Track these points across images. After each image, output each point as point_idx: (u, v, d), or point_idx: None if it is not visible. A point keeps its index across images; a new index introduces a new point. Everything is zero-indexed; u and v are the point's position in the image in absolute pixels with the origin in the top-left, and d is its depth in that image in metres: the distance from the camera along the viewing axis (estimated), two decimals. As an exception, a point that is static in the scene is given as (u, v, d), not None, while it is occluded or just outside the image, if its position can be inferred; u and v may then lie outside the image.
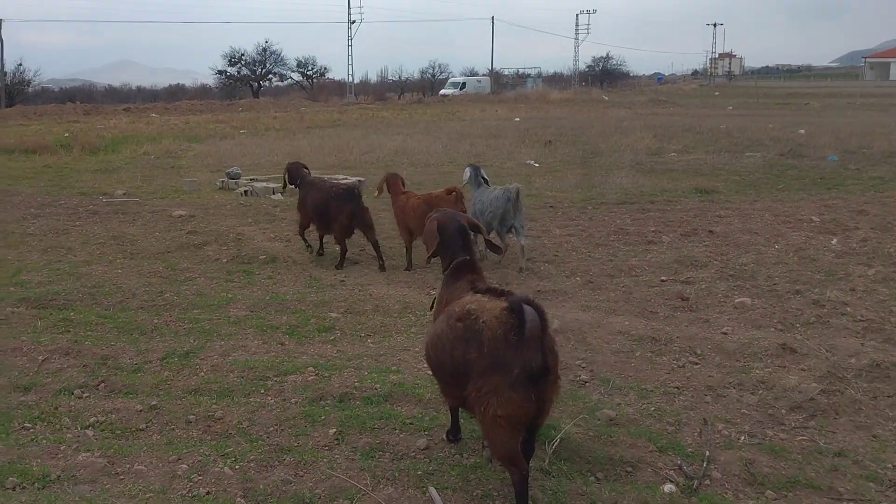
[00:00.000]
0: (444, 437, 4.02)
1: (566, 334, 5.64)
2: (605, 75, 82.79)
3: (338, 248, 8.25)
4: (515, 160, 17.17)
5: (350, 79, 67.54)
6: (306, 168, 8.91)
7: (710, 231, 9.44)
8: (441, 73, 76.27)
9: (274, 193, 13.50)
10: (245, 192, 13.20)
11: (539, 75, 78.98)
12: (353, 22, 66.40)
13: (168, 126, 28.27)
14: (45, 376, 4.92)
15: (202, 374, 4.97)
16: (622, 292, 6.92)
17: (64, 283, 7.23)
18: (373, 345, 5.62)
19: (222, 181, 13.91)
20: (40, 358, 5.20)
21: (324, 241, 8.62)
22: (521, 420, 3.14)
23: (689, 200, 11.76)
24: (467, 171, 8.37)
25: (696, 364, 5.13)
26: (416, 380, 4.80)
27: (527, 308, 3.06)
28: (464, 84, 67.79)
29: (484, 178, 8.21)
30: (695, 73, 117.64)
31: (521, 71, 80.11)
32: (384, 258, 8.00)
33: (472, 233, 4.01)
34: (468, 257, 3.86)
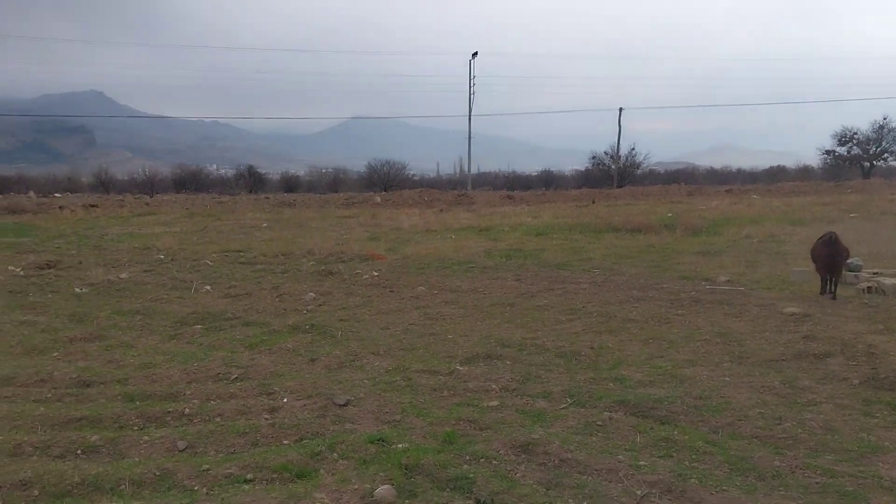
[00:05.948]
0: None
1: None
2: None
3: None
4: None
5: None
6: (835, 236, 10.67)
7: None
8: None
9: (909, 293, 10.89)
10: (868, 288, 10.96)
11: None
12: None
13: (769, 208, 26.83)
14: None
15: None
16: None
17: (665, 386, 6.37)
18: None
19: (840, 274, 11.79)
20: (639, 493, 4.25)
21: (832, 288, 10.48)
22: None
23: None
24: None
25: None
26: None
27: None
28: None
29: None
30: None
31: None
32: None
33: None
34: None
